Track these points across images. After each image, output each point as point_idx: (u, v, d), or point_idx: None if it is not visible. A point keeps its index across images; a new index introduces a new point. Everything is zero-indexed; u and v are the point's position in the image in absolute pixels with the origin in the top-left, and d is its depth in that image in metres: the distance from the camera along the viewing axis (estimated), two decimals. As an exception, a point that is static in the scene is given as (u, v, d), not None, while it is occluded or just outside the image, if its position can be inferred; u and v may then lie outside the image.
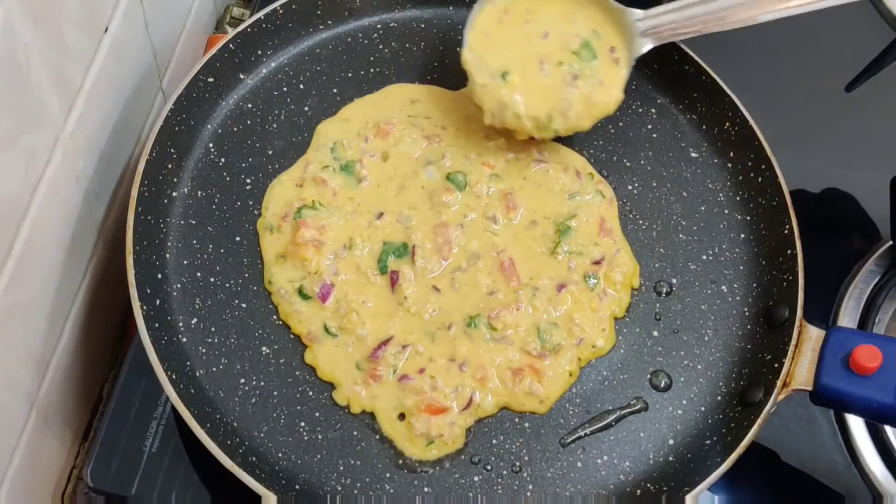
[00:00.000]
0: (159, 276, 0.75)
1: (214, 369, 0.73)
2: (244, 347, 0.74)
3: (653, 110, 0.88)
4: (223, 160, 0.81)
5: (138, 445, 0.73)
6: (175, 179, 0.79)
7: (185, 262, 0.77)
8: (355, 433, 0.72)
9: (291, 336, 0.75)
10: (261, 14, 0.85)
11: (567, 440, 0.73)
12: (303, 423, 0.72)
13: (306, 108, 0.85)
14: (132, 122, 0.81)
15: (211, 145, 0.82)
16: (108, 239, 0.79)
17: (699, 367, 0.77)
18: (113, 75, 0.74)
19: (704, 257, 0.81)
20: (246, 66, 0.85)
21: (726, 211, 0.84)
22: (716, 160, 0.86)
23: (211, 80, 0.82)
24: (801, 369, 0.72)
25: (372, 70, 0.88)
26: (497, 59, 0.79)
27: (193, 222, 0.78)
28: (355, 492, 0.70)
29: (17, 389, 0.67)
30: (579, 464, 0.72)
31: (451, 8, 0.91)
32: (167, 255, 0.76)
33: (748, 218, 0.83)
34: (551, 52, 0.80)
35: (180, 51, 0.89)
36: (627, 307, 0.78)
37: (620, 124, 0.87)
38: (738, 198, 0.84)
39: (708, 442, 0.73)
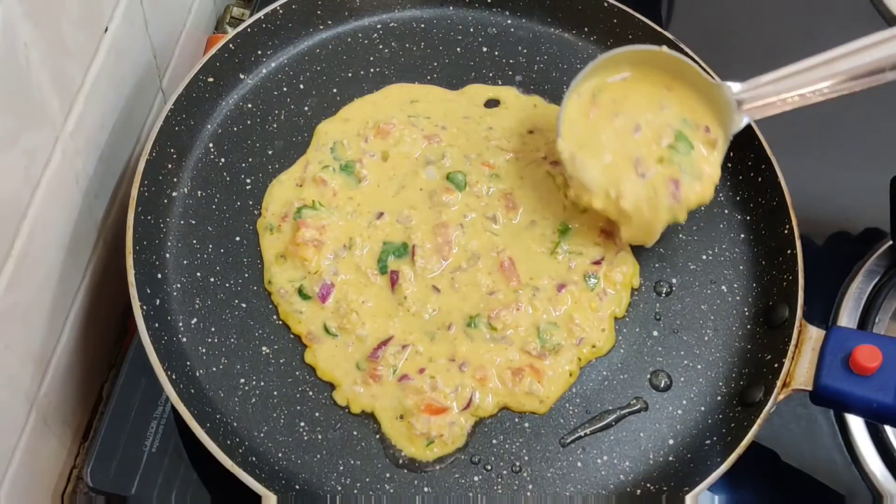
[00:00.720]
0: (159, 275, 0.75)
1: (214, 369, 0.73)
2: (244, 347, 0.74)
3: (653, 110, 0.88)
4: (223, 160, 0.81)
5: (138, 445, 0.73)
6: (175, 179, 0.79)
7: (185, 261, 0.77)
8: (355, 433, 0.72)
9: (291, 336, 0.75)
10: (261, 14, 0.85)
11: (567, 440, 0.73)
12: (303, 423, 0.72)
13: (306, 108, 0.85)
14: (132, 122, 0.81)
15: (211, 145, 0.82)
16: (108, 239, 0.79)
17: (699, 367, 0.77)
18: (113, 75, 0.74)
19: (704, 257, 0.81)
20: (246, 66, 0.85)
21: (726, 211, 0.84)
22: (716, 160, 0.86)
23: (211, 79, 0.82)
24: (801, 369, 0.72)
25: (372, 70, 0.88)
26: (594, 164, 0.75)
27: (193, 222, 0.78)
28: (355, 492, 0.70)
29: (17, 389, 0.67)
30: (579, 464, 0.72)
31: (451, 8, 0.92)
32: (167, 255, 0.76)
33: (748, 218, 0.83)
34: (647, 151, 0.75)
35: (180, 51, 0.89)
36: (627, 307, 0.78)
37: (620, 124, 0.87)
38: (737, 198, 0.84)
39: (708, 442, 0.73)
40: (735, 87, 0.76)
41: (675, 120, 0.76)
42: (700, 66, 0.79)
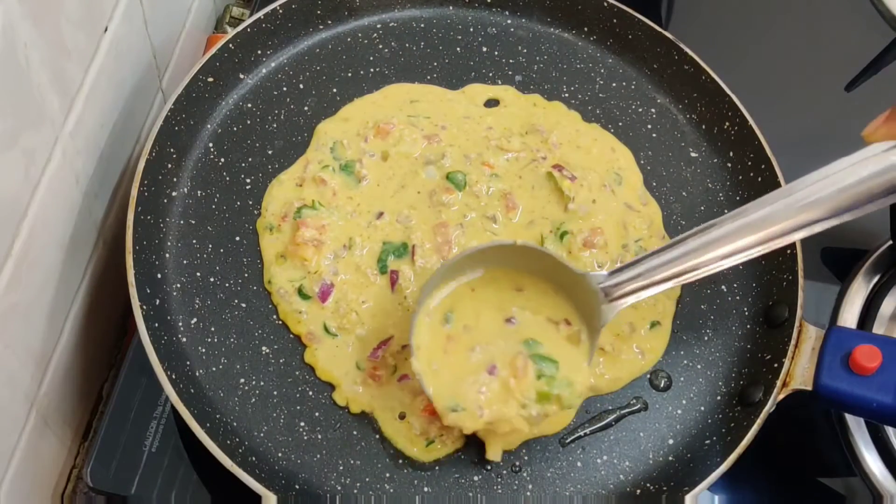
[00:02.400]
0: (159, 275, 0.75)
1: (214, 369, 0.73)
2: (244, 347, 0.74)
3: (653, 110, 0.88)
4: (223, 160, 0.81)
5: (138, 445, 0.73)
6: (175, 179, 0.79)
7: (185, 261, 0.77)
8: (355, 433, 0.72)
9: (291, 336, 0.75)
10: (260, 14, 0.85)
11: (567, 440, 0.73)
12: (302, 423, 0.72)
13: (306, 108, 0.85)
14: (132, 122, 0.81)
15: (211, 145, 0.82)
16: (108, 239, 0.79)
17: (699, 366, 0.77)
18: (112, 75, 0.74)
19: (704, 257, 0.81)
20: (246, 66, 0.85)
21: (726, 211, 0.83)
22: (715, 160, 0.86)
23: (211, 79, 0.82)
24: (800, 369, 0.72)
25: (372, 70, 0.88)
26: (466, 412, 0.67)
27: (193, 222, 0.78)
28: (355, 491, 0.70)
29: (17, 389, 0.67)
30: (579, 463, 0.72)
31: (450, 8, 0.92)
32: (167, 255, 0.76)
33: (748, 218, 0.83)
34: (518, 390, 0.68)
35: (180, 50, 0.89)
36: (627, 307, 0.78)
37: (620, 124, 0.87)
38: (737, 198, 0.84)
39: (708, 442, 0.73)
40: (599, 276, 0.70)
41: (525, 344, 0.69)
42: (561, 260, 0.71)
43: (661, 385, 0.76)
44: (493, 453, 0.71)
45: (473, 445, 0.72)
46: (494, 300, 0.72)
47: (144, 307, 0.71)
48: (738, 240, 0.67)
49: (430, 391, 0.68)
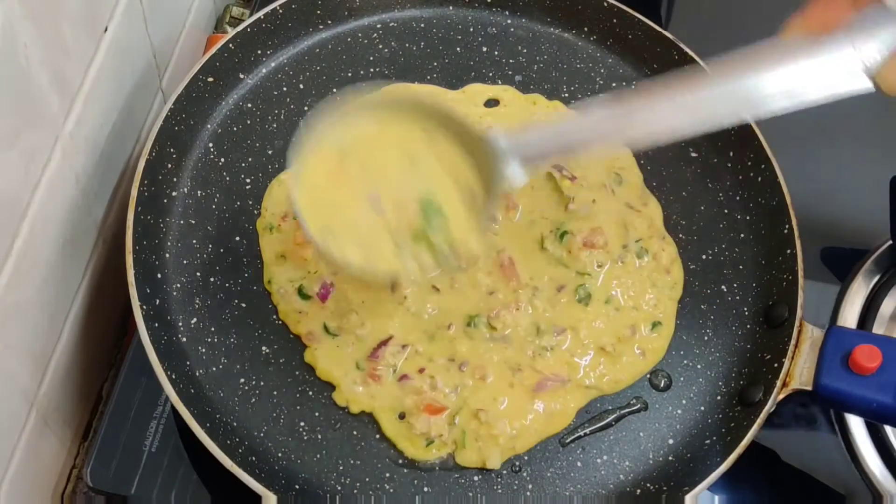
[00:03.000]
0: (159, 275, 0.75)
1: (214, 369, 0.73)
2: (244, 347, 0.74)
3: (653, 110, 0.88)
4: (223, 160, 0.81)
5: (138, 445, 0.73)
6: (175, 179, 0.79)
7: (185, 261, 0.77)
8: (355, 433, 0.72)
9: (291, 336, 0.75)
10: (260, 14, 0.85)
11: (566, 440, 0.73)
12: (302, 423, 0.72)
13: (306, 108, 0.85)
14: (132, 122, 0.81)
15: (211, 145, 0.82)
16: (108, 238, 0.79)
17: (699, 366, 0.77)
18: (112, 75, 0.74)
19: (704, 257, 0.81)
20: (246, 66, 0.85)
21: (726, 211, 0.84)
22: (715, 160, 0.86)
23: (210, 79, 0.82)
24: (800, 369, 0.72)
25: (372, 70, 0.87)
26: (348, 245, 0.65)
27: (193, 222, 0.78)
28: (355, 491, 0.70)
29: (17, 389, 0.67)
30: (579, 463, 0.72)
31: (450, 8, 0.92)
32: (167, 255, 0.76)
33: (748, 218, 0.83)
34: (398, 227, 0.66)
35: (180, 50, 0.89)
36: (627, 307, 0.78)
37: (620, 124, 0.87)
38: (737, 197, 0.84)
39: (708, 441, 0.73)
40: (502, 139, 0.66)
41: (423, 188, 0.66)
42: (468, 124, 0.68)
43: (661, 385, 0.76)
44: (493, 461, 0.71)
45: (473, 445, 0.72)
46: (400, 141, 0.67)
47: (144, 307, 0.71)
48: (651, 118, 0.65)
49: (299, 210, 0.64)
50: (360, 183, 0.66)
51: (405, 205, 0.65)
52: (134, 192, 0.74)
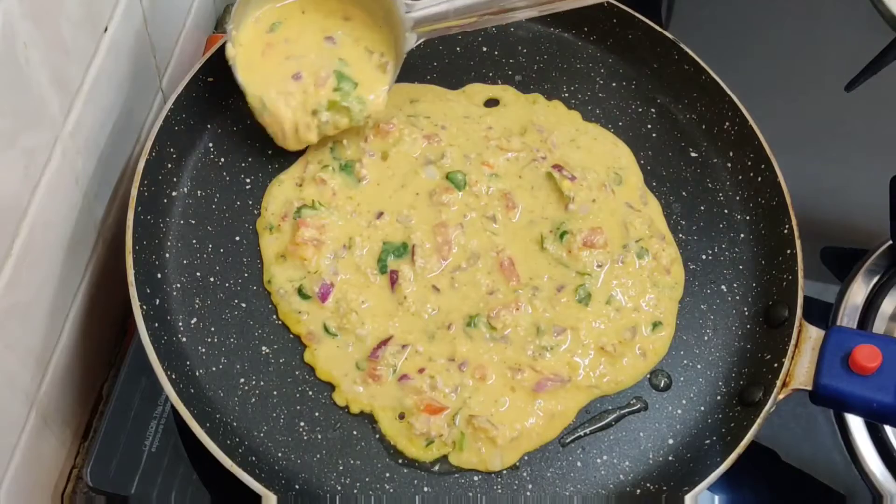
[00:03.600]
0: (159, 275, 0.75)
1: (214, 369, 0.73)
2: (244, 347, 0.74)
3: (652, 110, 0.88)
4: (223, 160, 0.81)
5: (138, 445, 0.73)
6: (175, 179, 0.79)
7: (185, 261, 0.77)
8: (355, 433, 0.72)
9: (291, 336, 0.75)
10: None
11: (566, 440, 0.73)
12: (302, 423, 0.72)
13: (306, 108, 0.85)
14: (132, 122, 0.81)
15: (211, 145, 0.82)
16: (108, 238, 0.79)
17: (699, 366, 0.77)
18: (112, 75, 0.74)
19: (704, 257, 0.81)
20: (246, 66, 0.85)
21: (726, 211, 0.84)
22: (715, 160, 0.86)
23: (210, 79, 0.82)
24: (800, 369, 0.72)
25: (372, 70, 0.88)
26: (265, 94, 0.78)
27: (193, 222, 0.78)
28: (355, 491, 0.70)
29: (17, 389, 0.67)
30: (579, 463, 0.72)
31: (450, 8, 0.91)
32: (167, 255, 0.76)
33: (748, 218, 0.83)
34: (315, 98, 0.78)
35: (180, 50, 0.89)
36: (627, 307, 0.78)
37: (620, 124, 0.87)
38: (737, 197, 0.84)
39: (707, 441, 0.73)
40: (407, 5, 0.78)
41: (335, 61, 0.79)
42: None
43: (661, 385, 0.76)
44: (493, 464, 0.71)
45: (473, 445, 0.72)
46: (320, 23, 0.81)
47: (144, 307, 0.71)
48: None
49: (240, 79, 0.78)
50: (285, 59, 0.79)
51: (322, 75, 0.78)
52: (134, 192, 0.74)
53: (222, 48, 0.82)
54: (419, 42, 0.80)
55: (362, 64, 0.80)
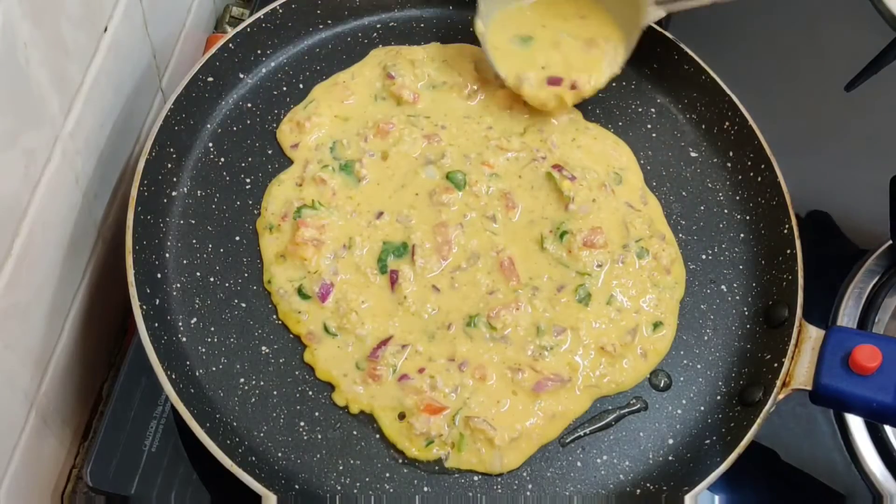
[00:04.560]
0: (159, 275, 0.75)
1: (214, 369, 0.73)
2: (244, 347, 0.74)
3: (652, 110, 0.88)
4: (223, 160, 0.81)
5: (138, 445, 0.73)
6: (175, 179, 0.79)
7: (185, 261, 0.77)
8: (355, 433, 0.72)
9: (291, 336, 0.75)
10: (260, 13, 0.85)
11: (566, 440, 0.73)
12: (302, 423, 0.72)
13: (306, 108, 0.85)
14: (132, 122, 0.81)
15: (210, 145, 0.82)
16: (108, 238, 0.79)
17: (699, 366, 0.77)
18: (112, 75, 0.74)
19: (704, 257, 0.81)
20: (245, 66, 0.85)
21: (726, 211, 0.84)
22: (715, 160, 0.86)
23: (210, 79, 0.82)
24: (800, 369, 0.72)
25: (372, 70, 0.88)
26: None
27: (193, 222, 0.78)
28: (355, 491, 0.70)
29: (17, 389, 0.67)
30: (579, 463, 0.72)
31: (450, 8, 0.92)
32: (167, 255, 0.76)
33: (748, 217, 0.83)
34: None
35: (180, 50, 0.89)
36: (627, 307, 0.78)
37: (620, 124, 0.87)
38: (737, 197, 0.84)
39: (707, 441, 0.73)
40: None
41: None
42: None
43: (661, 385, 0.76)
44: (494, 466, 0.71)
45: (473, 445, 0.72)
46: (562, 12, 0.87)
47: (144, 307, 0.71)
48: None
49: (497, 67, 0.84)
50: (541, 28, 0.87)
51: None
52: (134, 192, 0.74)
53: (222, 48, 0.82)
54: (663, 17, 0.84)
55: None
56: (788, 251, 0.79)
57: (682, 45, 0.87)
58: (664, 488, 0.71)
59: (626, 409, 0.75)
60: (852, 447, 0.79)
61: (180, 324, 0.74)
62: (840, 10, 1.04)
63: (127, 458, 0.73)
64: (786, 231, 0.79)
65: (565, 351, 0.75)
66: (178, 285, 0.75)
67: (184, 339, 0.74)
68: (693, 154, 0.86)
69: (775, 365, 0.73)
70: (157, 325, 0.72)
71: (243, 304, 0.76)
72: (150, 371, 0.69)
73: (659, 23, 0.88)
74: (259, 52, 0.86)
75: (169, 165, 0.79)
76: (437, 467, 0.71)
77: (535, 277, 0.77)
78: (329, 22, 0.89)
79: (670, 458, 0.73)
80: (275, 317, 0.75)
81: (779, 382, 0.72)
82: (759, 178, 0.83)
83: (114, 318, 0.83)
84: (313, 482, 0.70)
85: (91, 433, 0.79)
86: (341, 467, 0.70)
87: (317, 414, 0.72)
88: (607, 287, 0.77)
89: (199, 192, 0.80)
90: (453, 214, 0.79)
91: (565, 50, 0.85)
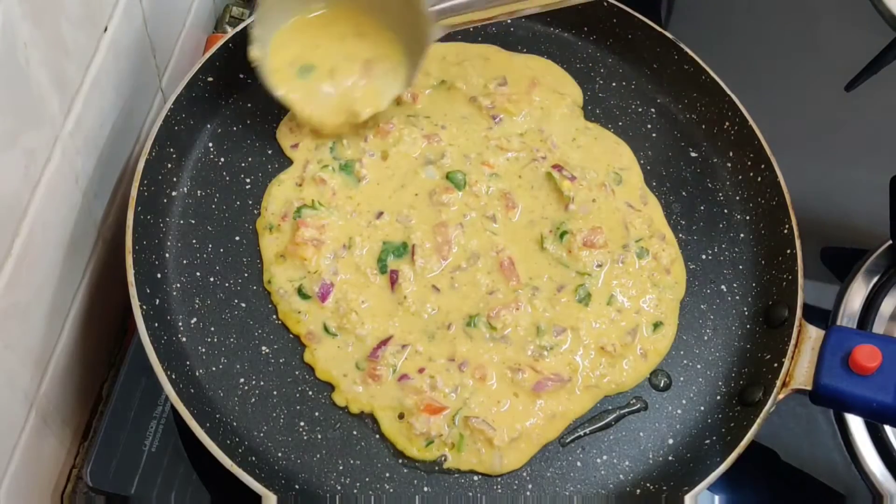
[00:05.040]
0: (159, 275, 0.75)
1: (214, 369, 0.73)
2: (244, 347, 0.74)
3: (652, 110, 0.88)
4: (223, 160, 0.81)
5: (138, 445, 0.73)
6: (174, 179, 0.79)
7: (185, 261, 0.77)
8: (355, 433, 0.72)
9: (291, 336, 0.75)
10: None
11: (566, 439, 0.73)
12: (302, 423, 0.72)
13: (306, 108, 0.85)
14: (131, 122, 0.81)
15: (210, 145, 0.82)
16: (108, 238, 0.79)
17: (699, 366, 0.77)
18: (112, 74, 0.74)
19: (704, 257, 0.81)
20: (245, 66, 0.84)
21: (726, 211, 0.84)
22: (715, 160, 0.86)
23: (210, 79, 0.82)
24: (800, 369, 0.72)
25: (371, 70, 0.87)
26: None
27: (193, 221, 0.78)
28: (355, 491, 0.70)
29: (17, 389, 0.67)
30: (579, 463, 0.72)
31: (450, 7, 0.91)
32: (166, 255, 0.76)
33: (748, 218, 0.83)
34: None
35: (180, 50, 0.89)
36: (627, 307, 0.78)
37: (620, 124, 0.87)
38: (737, 198, 0.84)
39: (707, 441, 0.73)
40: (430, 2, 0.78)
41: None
42: None
43: (661, 385, 0.76)
44: (494, 465, 0.71)
45: (473, 445, 0.72)
46: (337, 34, 0.82)
47: (144, 307, 0.71)
48: None
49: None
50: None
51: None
52: (134, 192, 0.74)
53: (222, 48, 0.82)
54: (442, 35, 0.80)
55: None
56: (788, 251, 0.79)
57: (682, 45, 0.87)
58: (664, 488, 0.71)
59: (626, 409, 0.75)
60: (852, 447, 0.79)
61: (180, 324, 0.74)
62: (840, 10, 1.04)
63: (127, 458, 0.73)
64: (786, 231, 0.79)
65: (565, 351, 0.75)
66: (178, 285, 0.75)
67: (184, 339, 0.74)
68: (693, 154, 0.86)
69: (775, 365, 0.73)
70: (157, 325, 0.72)
71: (243, 304, 0.76)
72: (150, 371, 0.69)
73: (658, 22, 0.88)
74: (259, 52, 0.86)
75: (169, 165, 0.79)
76: (437, 467, 0.71)
77: (535, 277, 0.77)
78: (329, 22, 0.89)
79: (670, 458, 0.73)
80: (275, 317, 0.75)
81: (779, 382, 0.72)
82: (759, 178, 0.83)
83: (114, 318, 0.83)
84: (313, 482, 0.70)
85: (91, 433, 0.79)
86: (341, 467, 0.70)
87: (317, 414, 0.72)
88: (607, 287, 0.77)
89: (199, 192, 0.80)
90: (453, 214, 0.79)
91: (341, 78, 0.81)
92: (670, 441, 0.74)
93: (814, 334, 0.73)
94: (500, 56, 0.89)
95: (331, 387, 0.73)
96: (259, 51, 0.80)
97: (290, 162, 0.82)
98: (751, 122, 0.84)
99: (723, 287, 0.80)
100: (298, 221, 0.77)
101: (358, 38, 0.82)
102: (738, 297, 0.80)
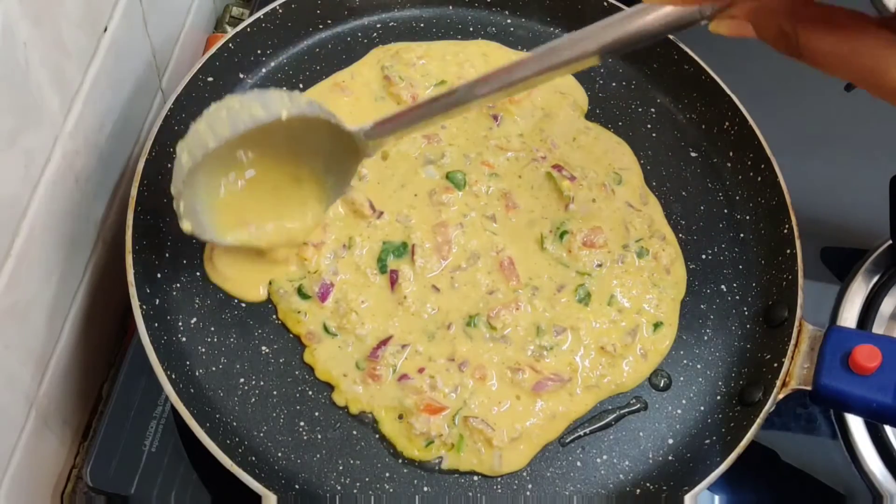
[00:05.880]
0: (159, 275, 0.75)
1: (214, 369, 0.73)
2: (243, 347, 0.74)
3: (652, 110, 0.88)
4: (223, 160, 0.81)
5: (138, 445, 0.73)
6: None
7: (185, 261, 0.77)
8: (355, 433, 0.72)
9: (291, 336, 0.75)
10: (260, 13, 0.85)
11: (566, 439, 0.73)
12: (302, 423, 0.72)
13: (306, 108, 0.85)
14: (131, 122, 0.81)
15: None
16: (108, 238, 0.79)
17: (698, 366, 0.77)
18: (112, 75, 0.74)
19: (704, 257, 0.81)
20: (245, 66, 0.85)
21: (726, 211, 0.84)
22: (715, 160, 0.86)
23: (210, 79, 0.82)
24: (800, 369, 0.72)
25: (371, 70, 0.88)
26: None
27: (193, 222, 0.78)
28: (355, 491, 0.70)
29: (17, 389, 0.67)
30: (579, 463, 0.72)
31: (450, 8, 0.92)
32: (167, 255, 0.76)
33: (748, 218, 0.83)
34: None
35: (179, 50, 0.89)
36: (627, 307, 0.78)
37: (620, 124, 0.87)
38: (737, 198, 0.84)
39: (707, 441, 0.73)
40: (364, 129, 0.70)
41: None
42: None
43: (661, 385, 0.76)
44: (494, 465, 0.71)
45: (473, 445, 0.72)
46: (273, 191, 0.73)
47: (144, 307, 0.71)
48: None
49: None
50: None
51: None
52: (134, 192, 0.74)
53: (222, 48, 0.82)
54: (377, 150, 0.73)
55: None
56: (788, 251, 0.79)
57: (682, 45, 0.87)
58: (664, 488, 0.71)
59: (626, 409, 0.75)
60: (852, 447, 0.79)
61: (180, 324, 0.74)
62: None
63: (127, 458, 0.73)
64: (786, 231, 0.79)
65: (565, 351, 0.75)
66: (178, 285, 0.75)
67: (184, 339, 0.74)
68: (693, 154, 0.86)
69: (775, 365, 0.73)
70: (157, 325, 0.72)
71: (243, 304, 0.76)
72: (150, 371, 0.69)
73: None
74: (259, 52, 0.86)
75: (169, 165, 0.79)
76: (436, 467, 0.71)
77: (535, 277, 0.77)
78: (329, 22, 0.89)
79: (670, 457, 0.73)
80: (275, 317, 0.75)
81: (778, 382, 0.72)
82: (759, 178, 0.83)
83: (114, 318, 0.83)
84: (313, 482, 0.70)
85: (91, 433, 0.79)
86: (341, 467, 0.70)
87: (317, 414, 0.72)
88: (607, 287, 0.77)
89: (199, 192, 0.80)
90: (453, 214, 0.79)
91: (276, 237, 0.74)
92: (670, 441, 0.74)
93: (814, 334, 0.73)
94: (500, 55, 0.89)
95: (331, 387, 0.73)
96: (190, 226, 0.69)
97: (290, 162, 0.82)
98: (751, 122, 0.84)
99: (723, 287, 0.80)
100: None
101: (295, 183, 0.73)
102: (738, 297, 0.80)
